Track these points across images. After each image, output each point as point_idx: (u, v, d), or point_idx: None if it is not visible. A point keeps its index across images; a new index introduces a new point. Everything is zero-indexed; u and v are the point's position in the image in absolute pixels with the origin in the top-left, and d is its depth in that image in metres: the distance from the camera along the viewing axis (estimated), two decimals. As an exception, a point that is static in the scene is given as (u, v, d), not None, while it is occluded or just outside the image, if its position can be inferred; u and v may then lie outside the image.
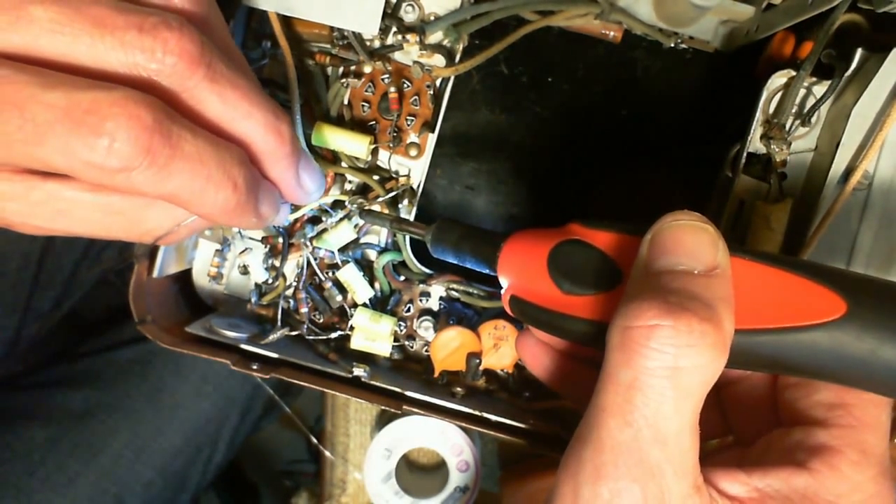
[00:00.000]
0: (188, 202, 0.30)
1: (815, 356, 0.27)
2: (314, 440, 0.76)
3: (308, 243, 0.47)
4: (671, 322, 0.25)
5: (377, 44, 0.46)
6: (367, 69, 0.47)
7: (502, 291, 0.35)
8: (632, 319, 0.26)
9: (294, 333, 0.48)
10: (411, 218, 0.47)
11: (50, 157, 0.27)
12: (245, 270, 0.50)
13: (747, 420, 0.35)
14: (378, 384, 0.46)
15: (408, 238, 0.48)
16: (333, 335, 0.48)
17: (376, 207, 0.46)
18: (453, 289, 0.49)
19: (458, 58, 0.46)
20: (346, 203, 0.46)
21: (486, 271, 0.36)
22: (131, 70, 0.28)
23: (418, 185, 0.48)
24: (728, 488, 0.28)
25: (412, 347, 0.50)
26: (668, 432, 0.26)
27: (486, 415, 0.46)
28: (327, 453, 0.75)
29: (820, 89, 0.43)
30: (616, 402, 0.26)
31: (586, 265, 0.31)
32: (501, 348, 0.46)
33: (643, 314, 0.26)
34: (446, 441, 0.62)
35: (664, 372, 0.25)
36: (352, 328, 0.47)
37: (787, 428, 0.31)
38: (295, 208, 0.45)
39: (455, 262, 0.38)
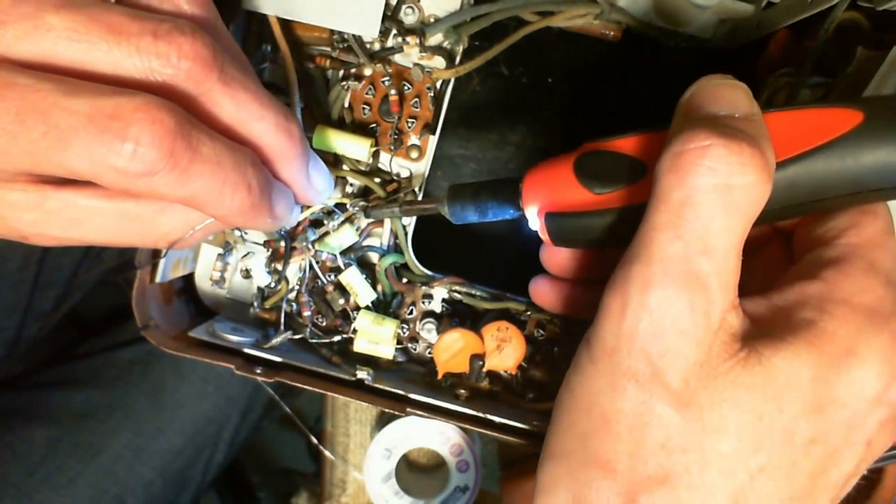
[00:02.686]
0: (205, 204, 0.30)
1: (843, 171, 0.28)
2: (314, 440, 0.76)
3: (310, 247, 0.47)
4: (724, 142, 0.26)
5: (377, 46, 0.46)
6: (368, 72, 0.47)
7: (531, 224, 0.36)
8: (684, 144, 0.27)
9: (297, 337, 0.48)
10: (412, 226, 0.48)
11: (74, 162, 0.27)
12: (247, 274, 0.50)
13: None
14: (382, 387, 0.47)
15: (410, 240, 0.48)
16: (336, 338, 0.48)
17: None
18: (456, 290, 0.49)
19: (458, 59, 0.46)
20: (348, 206, 0.46)
21: (510, 215, 0.37)
22: (147, 76, 0.29)
23: (420, 187, 0.48)
24: (752, 311, 0.30)
25: (415, 350, 0.50)
26: (717, 247, 0.27)
27: (490, 416, 0.46)
28: (327, 453, 0.75)
29: (821, 88, 0.43)
30: (667, 218, 0.27)
31: (612, 166, 0.32)
32: (505, 350, 0.46)
33: (695, 137, 0.27)
34: (446, 441, 0.62)
35: (716, 188, 0.26)
36: (355, 331, 0.47)
37: (801, 259, 0.32)
38: (304, 208, 0.45)
39: (477, 218, 0.38)
